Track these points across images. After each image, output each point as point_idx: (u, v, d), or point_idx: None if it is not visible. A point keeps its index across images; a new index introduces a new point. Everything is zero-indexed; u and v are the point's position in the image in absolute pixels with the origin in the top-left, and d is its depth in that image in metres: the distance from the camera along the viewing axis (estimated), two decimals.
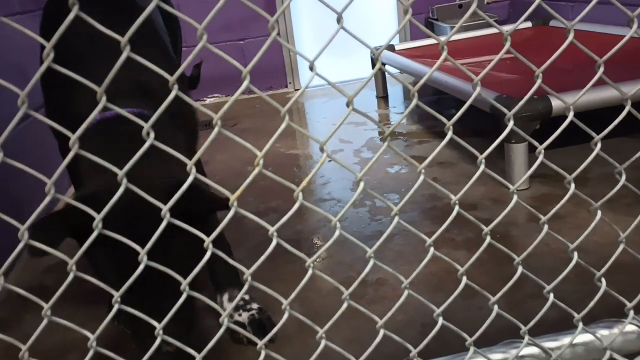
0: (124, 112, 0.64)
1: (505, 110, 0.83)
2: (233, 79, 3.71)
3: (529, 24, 3.36)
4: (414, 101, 0.75)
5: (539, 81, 0.80)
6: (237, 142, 0.68)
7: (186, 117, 1.30)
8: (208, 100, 3.83)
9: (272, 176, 0.72)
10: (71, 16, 0.62)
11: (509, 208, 0.81)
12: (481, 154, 0.79)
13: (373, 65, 3.39)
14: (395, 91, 3.53)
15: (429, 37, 3.78)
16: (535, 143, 0.84)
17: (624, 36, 0.76)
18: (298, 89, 3.94)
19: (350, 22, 0.72)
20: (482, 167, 0.82)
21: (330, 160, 2.37)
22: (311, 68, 0.71)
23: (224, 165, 2.61)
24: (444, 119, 0.77)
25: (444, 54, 0.76)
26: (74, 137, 0.61)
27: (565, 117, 0.84)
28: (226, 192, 0.72)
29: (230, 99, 0.66)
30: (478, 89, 0.78)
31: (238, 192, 0.71)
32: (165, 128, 1.07)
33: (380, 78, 3.40)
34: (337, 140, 2.72)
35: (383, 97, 3.41)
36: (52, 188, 0.61)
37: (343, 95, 0.72)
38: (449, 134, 0.78)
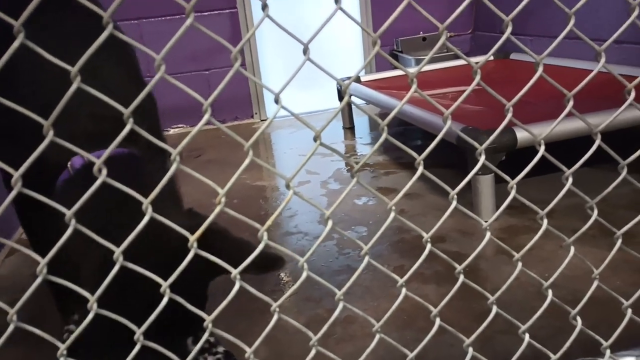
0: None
1: (476, 144, 0.81)
2: (198, 109, 3.65)
3: (490, 57, 3.44)
4: (384, 135, 0.73)
5: (509, 115, 0.79)
6: (202, 173, 0.64)
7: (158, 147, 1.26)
8: (172, 131, 3.77)
9: (236, 215, 0.68)
10: (16, 44, 0.57)
11: (482, 245, 0.78)
12: (448, 185, 0.77)
13: (339, 97, 3.40)
14: (361, 122, 3.54)
15: (395, 68, 3.83)
16: (507, 178, 0.82)
17: (585, 69, 0.76)
18: (264, 120, 3.91)
19: (315, 53, 0.70)
20: (454, 203, 0.80)
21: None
22: (277, 101, 0.68)
23: (188, 197, 2.53)
24: (414, 154, 0.75)
25: (414, 86, 0.74)
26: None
27: (531, 147, 0.83)
28: (186, 233, 0.68)
29: (193, 131, 0.62)
30: (449, 122, 0.76)
31: (198, 233, 0.66)
32: (156, 170, 0.99)
33: (347, 109, 3.40)
34: (304, 171, 2.69)
35: (349, 128, 3.42)
36: None
37: (310, 129, 0.69)
38: (420, 169, 0.76)
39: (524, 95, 0.76)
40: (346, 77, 3.38)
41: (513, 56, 3.35)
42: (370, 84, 3.19)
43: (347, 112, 3.42)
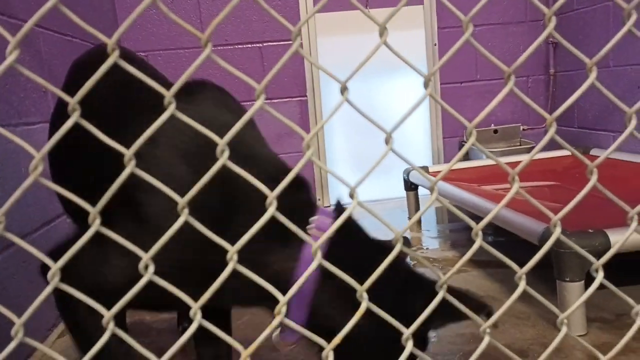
0: None
1: (590, 257, 0.67)
2: None
3: (568, 152, 3.27)
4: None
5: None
6: None
7: None
8: None
9: (299, 329, 0.57)
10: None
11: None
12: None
13: (405, 185, 3.30)
14: (428, 213, 3.40)
15: (465, 160, 3.72)
16: (612, 286, 0.67)
17: None
18: (328, 206, 3.85)
19: (382, 143, 0.63)
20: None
21: None
22: (352, 196, 0.59)
23: None
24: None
25: (516, 185, 0.63)
26: None
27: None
28: (238, 346, 0.57)
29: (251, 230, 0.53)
30: (558, 230, 0.64)
31: (252, 347, 0.55)
32: None
33: (413, 199, 3.29)
34: None
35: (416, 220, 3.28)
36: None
37: (392, 231, 0.59)
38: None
39: (614, 193, 0.64)
40: (418, 167, 3.28)
41: (594, 152, 3.17)
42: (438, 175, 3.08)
43: (414, 203, 3.30)
